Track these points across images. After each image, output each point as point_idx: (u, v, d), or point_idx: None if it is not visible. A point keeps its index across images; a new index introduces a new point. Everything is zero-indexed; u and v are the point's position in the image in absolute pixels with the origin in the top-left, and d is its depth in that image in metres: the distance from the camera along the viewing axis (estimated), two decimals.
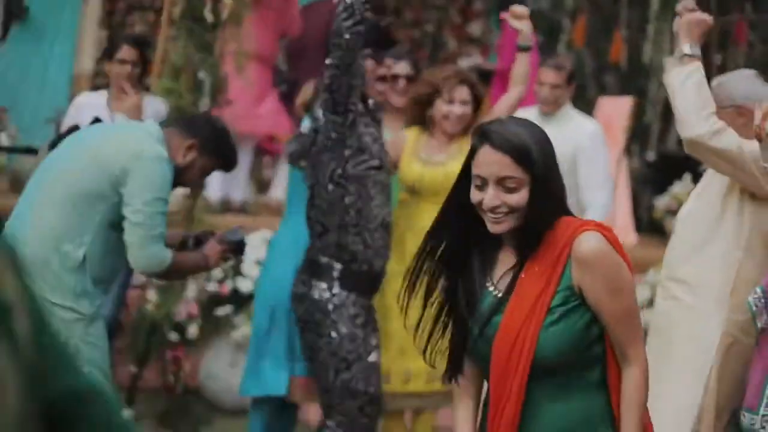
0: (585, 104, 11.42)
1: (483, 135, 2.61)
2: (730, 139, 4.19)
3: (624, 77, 11.51)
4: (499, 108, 5.10)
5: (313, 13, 8.88)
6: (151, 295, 5.95)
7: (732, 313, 4.31)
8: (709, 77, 4.40)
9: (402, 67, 5.36)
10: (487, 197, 2.57)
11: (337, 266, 4.36)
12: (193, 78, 5.95)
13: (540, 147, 2.61)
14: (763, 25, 9.85)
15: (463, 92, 4.95)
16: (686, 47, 4.29)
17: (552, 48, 12.55)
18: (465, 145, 4.91)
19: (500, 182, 2.57)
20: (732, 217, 4.33)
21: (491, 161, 2.58)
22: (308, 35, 8.19)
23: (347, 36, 4.14)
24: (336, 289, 4.37)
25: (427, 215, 4.45)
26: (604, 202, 6.08)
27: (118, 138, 4.12)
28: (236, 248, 4.28)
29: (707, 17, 4.36)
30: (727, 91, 4.40)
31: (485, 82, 9.77)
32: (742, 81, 4.44)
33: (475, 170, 2.61)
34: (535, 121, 6.03)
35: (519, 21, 5.12)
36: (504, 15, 5.27)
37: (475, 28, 10.43)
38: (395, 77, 5.34)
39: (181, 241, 4.33)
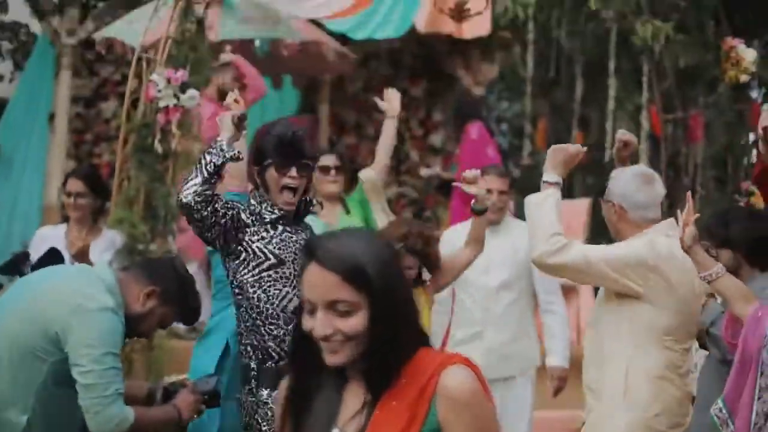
0: None
1: (309, 251, 2.22)
2: (573, 254, 4.31)
3: (588, 175, 11.70)
4: (452, 265, 5.14)
5: None
6: None
7: (632, 411, 4.34)
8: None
9: (329, 159, 5.82)
10: (317, 324, 2.18)
11: (253, 365, 4.37)
12: (146, 208, 6.06)
13: (378, 261, 2.21)
14: (718, 121, 10.03)
15: (408, 261, 4.91)
16: (547, 175, 4.48)
17: (518, 151, 12.82)
18: (421, 293, 5.01)
19: (331, 306, 2.18)
20: (614, 318, 4.41)
21: (318, 282, 2.19)
22: None
23: (183, 198, 4.19)
24: (257, 389, 4.36)
25: None
26: (564, 309, 6.21)
27: (58, 290, 3.80)
28: (210, 398, 4.05)
29: (572, 147, 4.54)
30: (611, 185, 4.53)
31: (446, 192, 9.98)
32: (623, 179, 4.52)
33: (304, 293, 2.22)
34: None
35: (471, 186, 5.05)
36: (456, 183, 5.25)
37: (435, 138, 10.63)
38: (326, 168, 5.75)
39: (148, 394, 4.09)
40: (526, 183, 14.94)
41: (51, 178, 9.17)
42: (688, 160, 9.31)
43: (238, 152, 4.31)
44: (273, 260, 4.36)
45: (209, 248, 5.24)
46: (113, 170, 8.15)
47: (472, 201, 5.08)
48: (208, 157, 4.25)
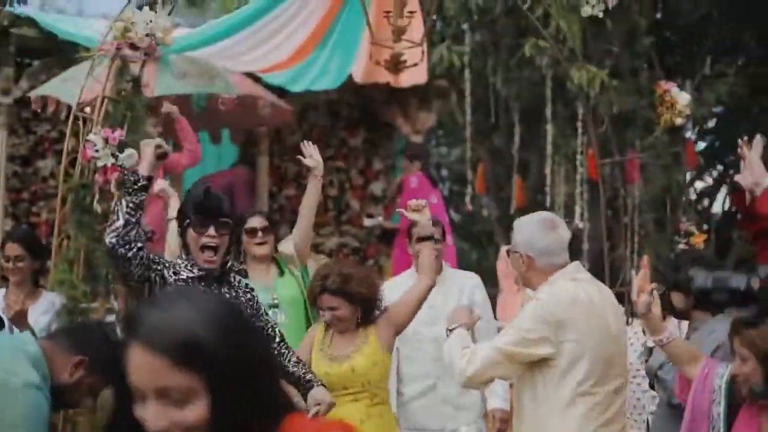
0: (495, 251, 11.69)
1: (129, 328, 1.81)
2: (484, 353, 4.29)
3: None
4: (407, 299, 5.20)
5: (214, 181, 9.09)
6: None
7: None
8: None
9: (255, 221, 5.89)
10: (149, 416, 1.77)
11: None
12: (87, 268, 5.99)
13: (217, 333, 1.78)
14: (655, 163, 10.13)
15: (323, 300, 4.99)
16: (449, 324, 4.54)
17: (459, 197, 12.88)
18: (371, 333, 5.01)
19: (162, 394, 1.76)
20: (529, 377, 4.33)
21: (143, 367, 1.77)
22: None
23: (107, 241, 4.26)
24: None
25: (339, 410, 4.58)
26: None
27: None
28: None
29: (465, 311, 4.62)
30: (516, 236, 4.50)
31: (388, 242, 9.98)
32: (527, 227, 4.47)
33: (129, 378, 1.80)
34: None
35: (415, 213, 5.13)
36: (400, 210, 5.32)
37: (375, 187, 10.63)
38: (252, 231, 5.83)
39: None
40: (468, 228, 15.06)
41: None
42: (626, 202, 9.39)
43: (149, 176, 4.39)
44: None
45: None
46: (52, 228, 8.06)
47: (417, 229, 5.16)
48: (127, 198, 4.29)
